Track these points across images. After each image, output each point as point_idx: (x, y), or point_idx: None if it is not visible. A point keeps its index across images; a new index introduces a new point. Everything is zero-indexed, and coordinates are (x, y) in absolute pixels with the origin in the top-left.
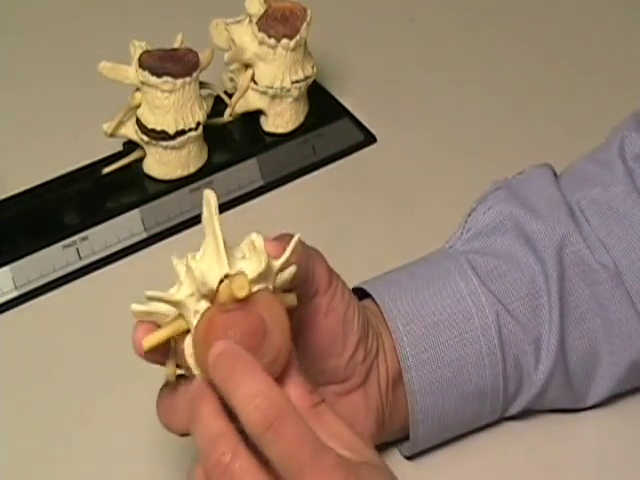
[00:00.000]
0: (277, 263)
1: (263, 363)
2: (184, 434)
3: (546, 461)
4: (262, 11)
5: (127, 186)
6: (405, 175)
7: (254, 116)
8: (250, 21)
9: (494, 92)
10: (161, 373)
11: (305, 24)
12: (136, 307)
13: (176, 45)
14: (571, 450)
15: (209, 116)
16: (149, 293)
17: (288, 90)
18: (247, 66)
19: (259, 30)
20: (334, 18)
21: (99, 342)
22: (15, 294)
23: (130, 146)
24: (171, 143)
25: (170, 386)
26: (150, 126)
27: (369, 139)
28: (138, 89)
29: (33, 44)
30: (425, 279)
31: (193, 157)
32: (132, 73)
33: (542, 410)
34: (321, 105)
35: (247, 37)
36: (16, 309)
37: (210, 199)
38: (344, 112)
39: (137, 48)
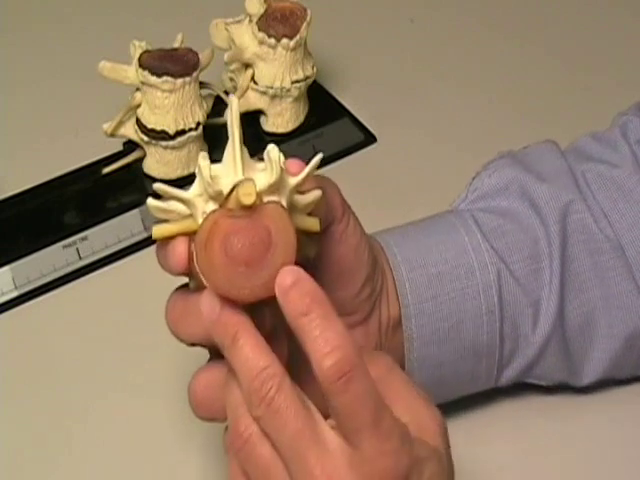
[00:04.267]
0: (293, 180)
1: (261, 277)
2: (193, 344)
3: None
4: (262, 11)
5: (127, 186)
6: (405, 175)
7: (254, 116)
8: (250, 21)
9: (494, 92)
10: (161, 372)
11: (305, 24)
12: (152, 202)
13: (176, 45)
14: (566, 443)
15: (209, 116)
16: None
17: (288, 90)
18: (247, 66)
19: (259, 30)
20: (334, 18)
21: (99, 342)
22: (15, 294)
23: (130, 146)
24: (171, 143)
25: (182, 293)
26: (150, 126)
27: (369, 139)
28: (138, 89)
29: (33, 44)
30: (430, 229)
31: (193, 157)
32: (132, 73)
33: (539, 399)
34: (321, 105)
35: (247, 37)
36: (16, 309)
37: (233, 105)
38: (344, 112)
39: (137, 48)
